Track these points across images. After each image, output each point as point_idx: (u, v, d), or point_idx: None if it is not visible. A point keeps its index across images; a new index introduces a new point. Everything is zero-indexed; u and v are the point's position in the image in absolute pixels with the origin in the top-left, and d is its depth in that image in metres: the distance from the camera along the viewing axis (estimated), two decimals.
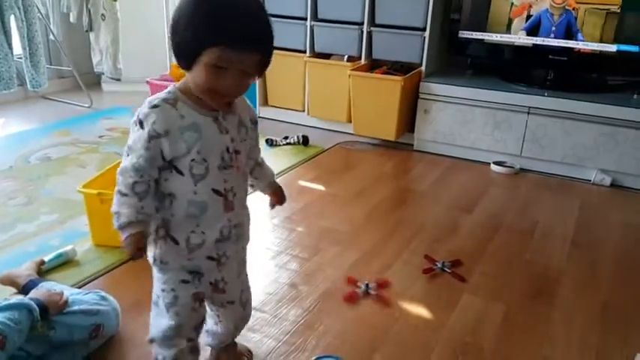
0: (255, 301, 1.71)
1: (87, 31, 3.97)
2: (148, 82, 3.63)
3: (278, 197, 1.36)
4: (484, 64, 3.21)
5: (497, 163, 2.94)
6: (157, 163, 1.05)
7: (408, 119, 3.14)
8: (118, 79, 4.12)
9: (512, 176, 2.88)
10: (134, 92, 3.93)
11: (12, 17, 3.36)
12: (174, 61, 3.90)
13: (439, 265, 1.93)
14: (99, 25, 3.96)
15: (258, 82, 3.61)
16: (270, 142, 3.15)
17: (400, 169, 2.95)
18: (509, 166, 2.92)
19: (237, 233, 1.18)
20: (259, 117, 3.60)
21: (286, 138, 3.19)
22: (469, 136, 3.00)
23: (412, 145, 3.18)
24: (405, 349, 1.54)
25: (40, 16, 3.67)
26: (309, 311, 1.70)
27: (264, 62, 1.05)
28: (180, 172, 1.07)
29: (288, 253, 2.03)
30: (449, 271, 1.90)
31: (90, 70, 4.15)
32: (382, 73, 3.11)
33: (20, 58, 3.53)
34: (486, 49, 3.09)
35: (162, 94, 1.06)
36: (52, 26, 3.87)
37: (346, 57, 3.33)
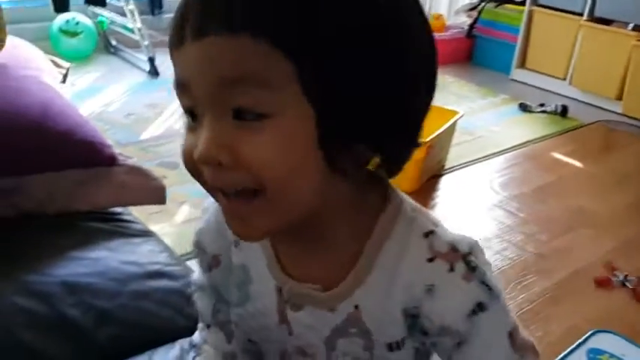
0: (500, 264, 1.67)
1: None
2: None
3: None
4: None
5: None
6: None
7: None
8: None
9: None
10: None
11: None
12: (434, 11, 3.91)
13: None
14: None
15: (519, 41, 3.39)
16: (524, 107, 2.96)
17: None
18: None
19: None
20: (512, 79, 3.42)
21: (542, 105, 2.96)
22: None
23: None
24: None
25: None
26: (557, 285, 1.59)
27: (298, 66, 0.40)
28: None
29: (536, 223, 1.91)
30: None
31: None
32: None
33: None
34: None
35: None
36: None
37: (631, 25, 2.93)
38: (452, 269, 0.46)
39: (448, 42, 3.65)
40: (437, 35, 3.39)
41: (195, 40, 0.40)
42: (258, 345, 0.57)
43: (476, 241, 0.49)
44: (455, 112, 2.16)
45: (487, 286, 0.47)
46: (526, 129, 2.70)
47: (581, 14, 3.08)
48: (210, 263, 0.57)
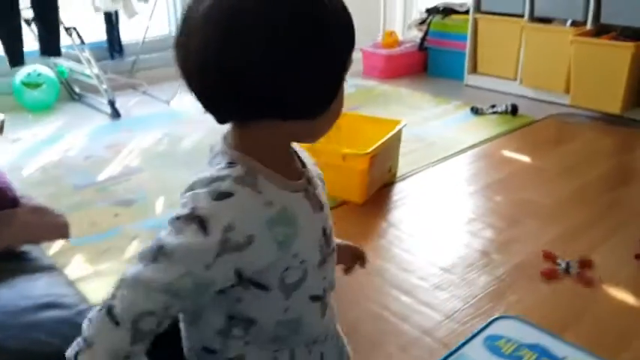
0: (445, 262, 1.74)
1: None
2: (361, 49, 3.76)
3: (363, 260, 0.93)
4: None
5: None
6: (215, 288, 0.63)
7: (638, 92, 2.79)
8: None
9: None
10: None
11: None
12: (388, 28, 4.00)
13: None
14: None
15: (467, 49, 3.52)
16: (475, 111, 3.06)
17: (623, 147, 2.65)
18: None
19: (332, 332, 0.79)
20: (467, 85, 3.54)
21: (493, 106, 3.07)
22: None
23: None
24: (601, 331, 1.43)
25: None
26: (500, 280, 1.66)
27: None
28: (265, 287, 0.66)
29: (483, 220, 1.99)
30: None
31: None
32: (610, 40, 2.79)
33: None
34: None
35: (226, 168, 0.64)
36: None
37: (569, 22, 3.06)
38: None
39: (402, 56, 3.78)
40: (391, 51, 3.50)
41: None
42: (306, 264, 0.68)
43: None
44: (398, 122, 2.25)
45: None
46: (477, 131, 2.80)
47: (522, 16, 3.21)
48: (241, 244, 0.61)
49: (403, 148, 2.33)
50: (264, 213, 0.63)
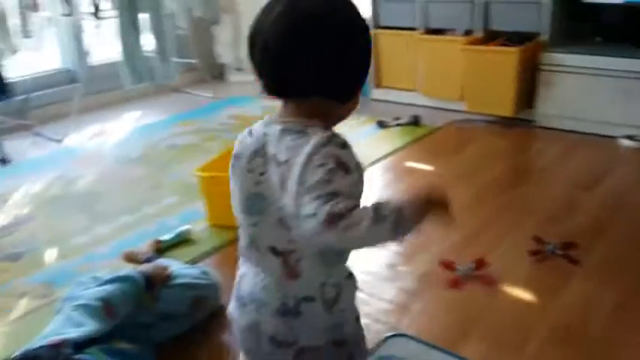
0: None
1: (212, 23, 4.18)
2: None
3: None
4: (615, 30, 2.89)
5: (628, 138, 2.64)
6: None
7: (528, 93, 2.93)
8: (241, 69, 4.30)
9: None
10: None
11: (143, 16, 3.52)
12: None
13: (549, 247, 1.78)
14: (223, 18, 4.16)
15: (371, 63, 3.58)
16: (381, 124, 3.11)
17: (516, 147, 2.77)
18: None
19: None
20: (373, 99, 3.60)
21: (397, 119, 3.14)
22: (597, 109, 2.73)
23: (532, 121, 2.96)
24: (500, 331, 1.47)
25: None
26: (405, 292, 1.67)
27: None
28: None
29: None
30: (560, 253, 1.76)
31: (214, 61, 4.38)
32: (497, 46, 2.93)
33: (152, 53, 3.75)
34: (618, 15, 2.78)
35: (326, 131, 0.86)
36: (179, 22, 4.11)
37: (462, 31, 3.19)
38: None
39: None
40: None
41: None
42: None
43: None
44: None
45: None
46: (383, 144, 2.84)
47: (417, 29, 3.31)
48: (362, 176, 0.87)
49: None
50: None
